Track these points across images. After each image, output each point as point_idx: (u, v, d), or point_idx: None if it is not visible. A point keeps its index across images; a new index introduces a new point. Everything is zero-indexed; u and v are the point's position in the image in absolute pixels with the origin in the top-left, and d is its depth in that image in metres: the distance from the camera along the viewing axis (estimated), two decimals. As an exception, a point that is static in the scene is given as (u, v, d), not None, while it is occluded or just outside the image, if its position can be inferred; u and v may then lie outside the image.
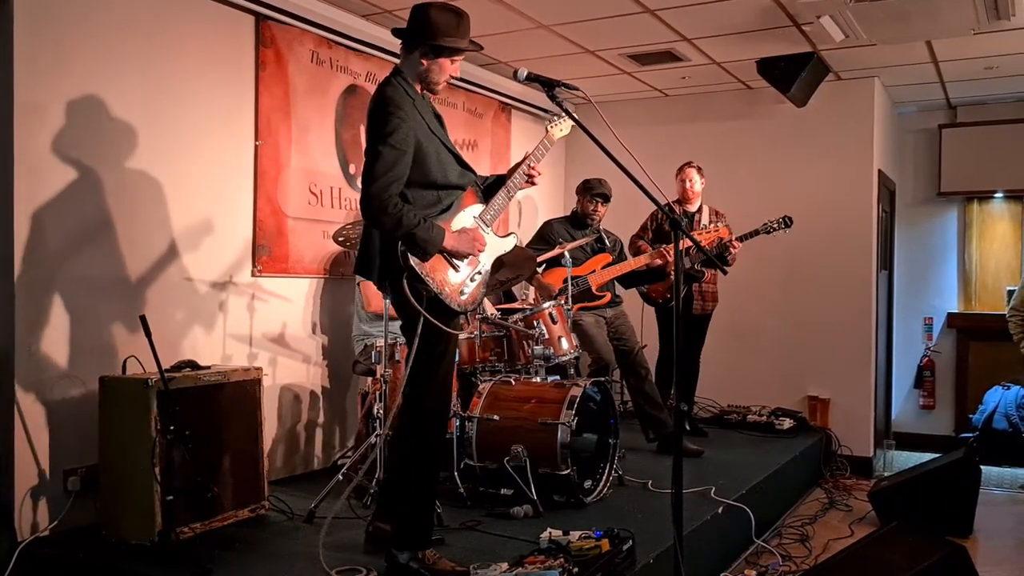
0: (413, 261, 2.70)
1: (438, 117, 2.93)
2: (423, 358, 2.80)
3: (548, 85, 2.75)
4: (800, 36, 5.06)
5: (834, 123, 6.12)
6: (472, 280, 2.90)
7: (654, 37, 5.09)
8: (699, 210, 5.41)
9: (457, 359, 4.08)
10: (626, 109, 6.67)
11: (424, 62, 2.80)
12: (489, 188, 3.07)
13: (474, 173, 3.00)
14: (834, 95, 6.03)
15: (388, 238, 2.73)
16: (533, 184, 3.08)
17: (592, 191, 5.05)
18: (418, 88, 2.84)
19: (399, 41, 2.87)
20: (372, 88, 3.86)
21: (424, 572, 2.82)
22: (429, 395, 2.86)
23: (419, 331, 2.74)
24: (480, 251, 2.89)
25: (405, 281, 2.71)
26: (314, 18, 4.43)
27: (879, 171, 6.19)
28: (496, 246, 3.02)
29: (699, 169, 5.38)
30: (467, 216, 2.93)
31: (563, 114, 3.19)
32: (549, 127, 3.21)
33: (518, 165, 3.06)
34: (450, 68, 2.84)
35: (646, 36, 5.08)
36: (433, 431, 2.91)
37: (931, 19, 4.49)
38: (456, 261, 2.83)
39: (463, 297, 2.86)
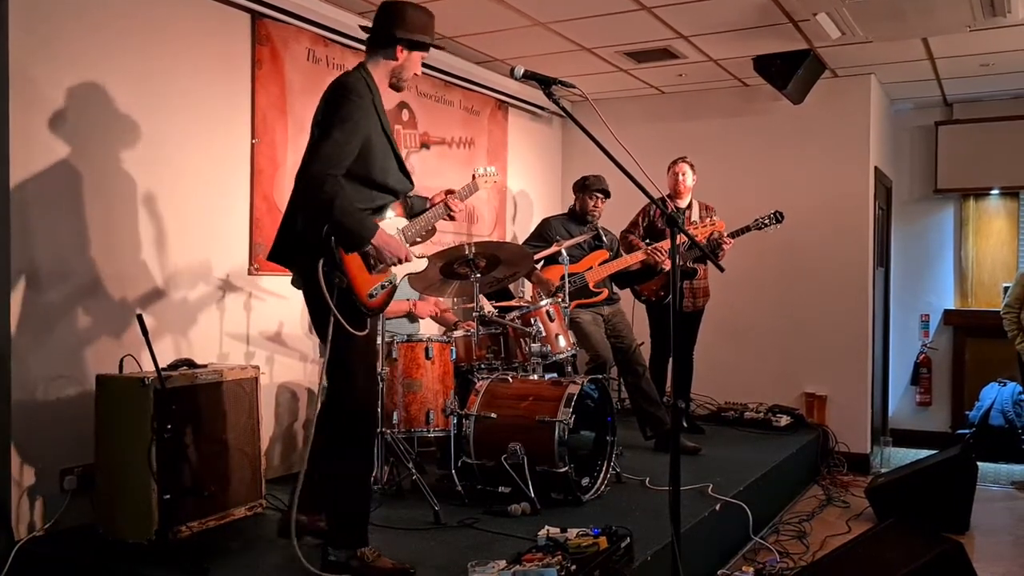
0: (336, 248, 2.69)
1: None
2: (338, 355, 2.75)
3: (545, 83, 2.75)
4: (796, 33, 5.06)
5: (830, 120, 6.12)
6: (382, 287, 2.90)
7: (651, 34, 5.09)
8: (689, 205, 5.41)
9: (454, 357, 4.09)
10: (623, 106, 6.66)
11: (400, 56, 2.86)
12: (412, 209, 3.15)
13: (412, 184, 3.03)
14: (830, 92, 6.03)
15: (314, 221, 2.70)
16: (453, 219, 3.23)
17: (591, 188, 5.04)
18: (382, 86, 2.89)
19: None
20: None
21: (364, 571, 2.78)
22: (351, 395, 2.83)
23: (331, 327, 2.70)
24: (398, 263, 2.87)
25: (321, 267, 2.67)
26: (310, 16, 4.41)
27: (875, 168, 6.20)
28: (409, 264, 3.02)
29: (692, 164, 5.38)
30: (391, 226, 2.97)
31: (493, 170, 3.47)
32: (477, 175, 3.41)
33: (442, 197, 3.19)
34: (418, 65, 2.94)
35: (643, 33, 5.07)
36: (360, 429, 2.87)
37: (927, 16, 4.49)
38: (374, 262, 2.83)
39: (371, 299, 2.84)
